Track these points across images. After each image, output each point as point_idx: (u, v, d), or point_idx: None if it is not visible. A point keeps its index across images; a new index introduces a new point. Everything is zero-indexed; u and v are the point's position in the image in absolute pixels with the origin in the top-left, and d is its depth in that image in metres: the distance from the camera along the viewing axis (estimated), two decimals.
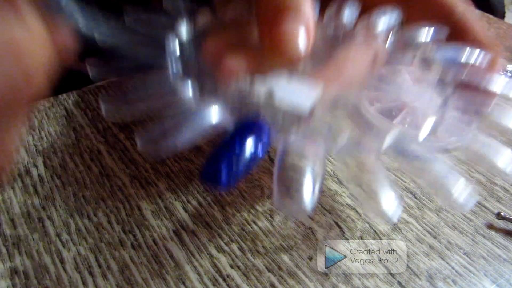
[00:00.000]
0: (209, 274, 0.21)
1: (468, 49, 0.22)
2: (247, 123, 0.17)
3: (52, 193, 0.24)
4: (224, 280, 0.21)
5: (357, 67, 0.22)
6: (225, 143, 0.16)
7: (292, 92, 0.19)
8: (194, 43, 0.23)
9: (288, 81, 0.19)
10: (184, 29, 0.23)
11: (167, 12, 0.24)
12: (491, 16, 0.51)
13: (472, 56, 0.22)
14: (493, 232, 0.24)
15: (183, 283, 0.20)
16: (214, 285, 0.20)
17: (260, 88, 0.19)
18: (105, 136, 0.28)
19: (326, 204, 0.24)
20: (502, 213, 0.24)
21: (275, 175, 0.16)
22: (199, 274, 0.21)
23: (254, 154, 0.16)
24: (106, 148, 0.27)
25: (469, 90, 0.21)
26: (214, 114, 0.18)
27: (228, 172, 0.15)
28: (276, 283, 0.21)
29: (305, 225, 0.23)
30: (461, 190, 0.17)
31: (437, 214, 0.24)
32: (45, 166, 0.26)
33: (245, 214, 0.24)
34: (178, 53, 0.22)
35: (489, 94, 0.21)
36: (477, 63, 0.22)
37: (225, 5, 0.25)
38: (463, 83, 0.21)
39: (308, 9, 0.20)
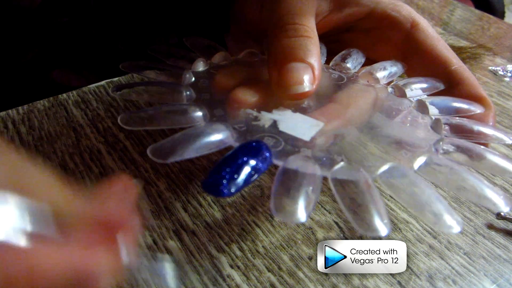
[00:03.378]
0: (209, 274, 0.21)
1: (461, 100, 0.24)
2: (250, 142, 0.18)
3: None
4: (224, 280, 0.21)
5: (359, 107, 0.23)
6: (229, 156, 0.17)
7: (295, 123, 0.21)
8: (208, 74, 0.25)
9: (292, 114, 0.21)
10: (200, 63, 0.26)
11: (186, 47, 0.27)
12: (491, 16, 0.51)
13: (465, 106, 0.24)
14: (493, 232, 0.24)
15: (183, 283, 0.20)
16: (214, 285, 0.20)
17: (266, 117, 0.21)
18: (105, 136, 0.28)
19: (326, 204, 0.24)
20: (502, 213, 0.24)
21: (273, 189, 0.17)
22: (199, 274, 0.21)
23: (255, 169, 0.17)
24: (106, 148, 0.27)
25: (461, 134, 0.22)
26: (221, 132, 0.19)
27: (228, 183, 0.16)
28: (276, 283, 0.21)
29: (305, 225, 0.23)
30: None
31: None
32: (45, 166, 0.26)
33: (245, 214, 0.24)
34: (191, 81, 0.24)
35: (480, 138, 0.22)
36: (470, 114, 0.23)
37: (239, 48, 0.28)
38: (456, 128, 0.22)
39: (315, 52, 0.22)
